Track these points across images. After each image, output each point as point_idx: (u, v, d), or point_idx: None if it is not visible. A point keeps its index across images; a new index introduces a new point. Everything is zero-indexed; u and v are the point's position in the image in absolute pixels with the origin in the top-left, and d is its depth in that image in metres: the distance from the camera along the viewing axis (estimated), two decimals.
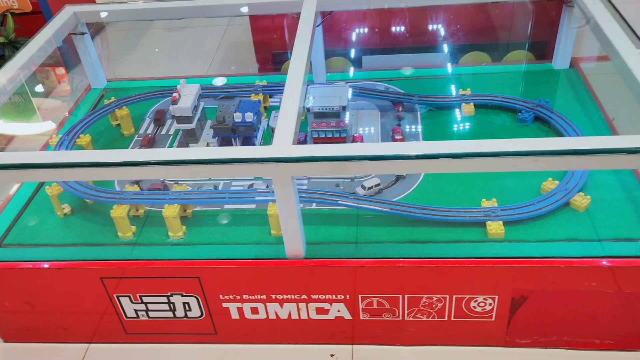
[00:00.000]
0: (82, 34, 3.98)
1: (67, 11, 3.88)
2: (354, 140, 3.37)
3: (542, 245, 2.66)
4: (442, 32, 4.20)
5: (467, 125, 3.50)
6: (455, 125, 3.51)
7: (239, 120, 3.31)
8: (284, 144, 2.47)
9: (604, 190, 2.88)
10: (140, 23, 6.41)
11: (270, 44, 4.37)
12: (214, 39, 5.77)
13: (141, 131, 3.79)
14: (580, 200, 2.80)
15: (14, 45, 5.55)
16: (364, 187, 3.04)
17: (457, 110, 3.61)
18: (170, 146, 3.58)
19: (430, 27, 4.19)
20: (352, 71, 4.29)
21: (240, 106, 3.44)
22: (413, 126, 3.51)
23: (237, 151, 2.44)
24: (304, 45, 3.20)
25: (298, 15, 3.79)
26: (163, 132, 3.76)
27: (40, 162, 2.41)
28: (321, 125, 3.25)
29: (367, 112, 3.72)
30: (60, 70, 4.74)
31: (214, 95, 3.89)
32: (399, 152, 2.30)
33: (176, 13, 3.88)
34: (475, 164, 2.31)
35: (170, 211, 2.84)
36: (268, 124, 3.56)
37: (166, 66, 5.75)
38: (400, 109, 3.65)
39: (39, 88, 4.18)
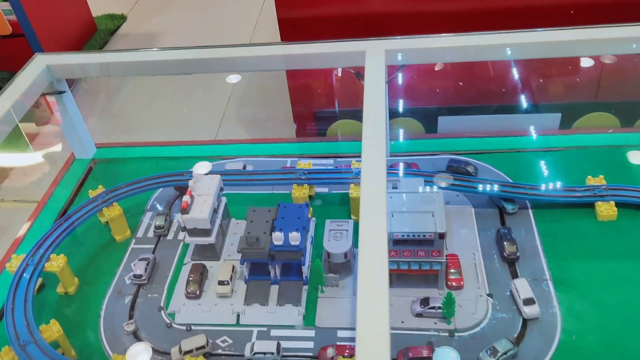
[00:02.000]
0: (61, 92, 2.94)
1: (38, 63, 2.83)
2: (448, 269, 2.29)
3: None
4: (547, 85, 3.07)
5: (611, 240, 2.41)
6: (592, 241, 2.41)
7: (280, 242, 2.25)
8: None
9: None
10: None
11: (312, 100, 3.29)
12: (227, 85, 4.63)
13: (139, 233, 2.74)
14: None
15: None
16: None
17: (588, 210, 2.52)
18: (180, 266, 2.53)
19: (529, 79, 3.07)
20: (422, 135, 3.20)
21: (279, 216, 2.38)
22: (528, 241, 2.43)
23: None
24: (379, 119, 2.15)
25: (355, 70, 2.73)
26: (170, 237, 2.72)
27: None
28: (404, 254, 2.18)
29: (456, 209, 2.63)
30: (32, 139, 3.67)
31: (236, 183, 2.79)
32: None
33: (180, 67, 2.80)
34: None
35: None
36: (314, 241, 2.49)
37: (169, 122, 4.63)
38: (503, 208, 2.57)
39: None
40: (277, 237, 2.23)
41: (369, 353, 1.43)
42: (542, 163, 2.81)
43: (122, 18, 7.08)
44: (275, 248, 2.25)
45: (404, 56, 2.61)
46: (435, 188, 2.26)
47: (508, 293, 2.26)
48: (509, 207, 2.52)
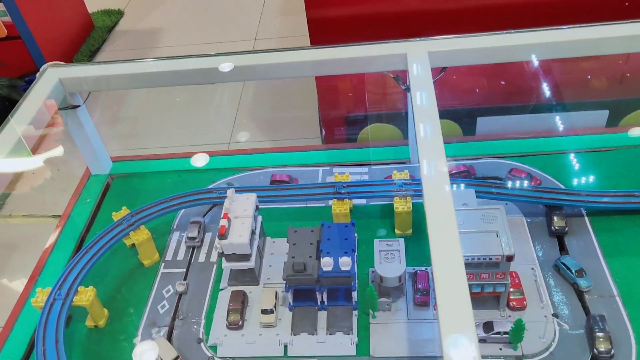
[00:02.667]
0: (75, 107, 2.75)
1: (50, 77, 2.64)
2: (510, 287, 2.14)
3: None
4: (592, 81, 2.90)
5: None
6: None
7: (329, 268, 2.09)
8: None
9: None
10: None
11: (342, 103, 3.10)
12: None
13: (168, 256, 2.57)
14: None
15: None
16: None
17: None
18: (216, 292, 2.36)
19: (572, 74, 2.90)
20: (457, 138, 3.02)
21: (324, 238, 2.21)
22: (588, 254, 2.28)
23: None
24: (434, 128, 2.01)
25: (394, 73, 2.55)
26: (202, 259, 2.56)
27: None
28: (467, 277, 2.03)
29: (508, 219, 2.46)
30: (44, 158, 3.44)
31: (271, 200, 2.61)
32: None
33: (202, 77, 2.61)
34: None
35: None
36: (358, 259, 2.32)
37: (180, 128, 4.41)
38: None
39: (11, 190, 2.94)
40: (327, 263, 2.07)
41: None
42: (593, 164, 2.66)
43: (119, 13, 6.83)
44: (325, 274, 2.08)
45: (447, 57, 2.43)
46: (499, 207, 2.08)
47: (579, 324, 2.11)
48: (584, 285, 2.16)
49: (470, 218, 2.05)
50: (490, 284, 2.02)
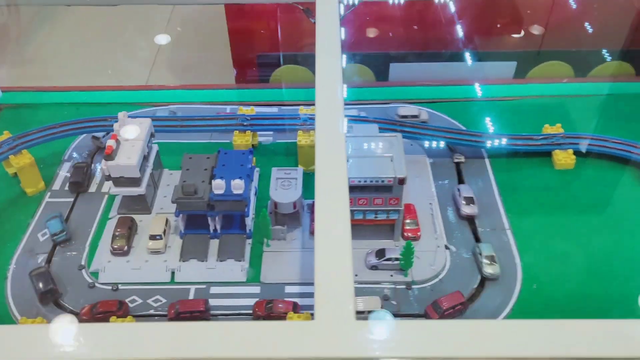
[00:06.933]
0: None
1: None
2: (404, 219, 2.13)
3: None
4: (502, 32, 2.94)
5: (569, 189, 2.33)
6: (550, 190, 2.33)
7: (221, 191, 2.00)
8: (338, 322, 1.23)
9: None
10: None
11: (254, 43, 2.98)
12: (161, 19, 4.15)
13: (55, 185, 2.40)
14: None
15: None
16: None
17: (545, 159, 2.43)
18: (104, 221, 2.23)
19: (485, 25, 2.92)
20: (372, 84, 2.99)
21: (219, 164, 2.11)
22: (485, 192, 2.32)
23: None
24: (335, 56, 1.94)
25: (304, 6, 2.48)
26: (93, 189, 2.40)
27: None
28: (359, 202, 1.99)
29: (411, 158, 2.45)
30: None
31: (169, 130, 2.48)
32: None
33: None
34: None
35: None
36: (258, 192, 2.25)
37: (89, 65, 4.11)
38: (459, 156, 2.45)
39: None
40: (218, 186, 1.98)
41: (330, 309, 1.25)
42: (498, 112, 2.70)
43: None
44: (216, 197, 1.99)
45: None
46: (397, 135, 2.06)
47: (470, 252, 2.14)
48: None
49: (368, 145, 2.01)
50: (383, 211, 1.99)
